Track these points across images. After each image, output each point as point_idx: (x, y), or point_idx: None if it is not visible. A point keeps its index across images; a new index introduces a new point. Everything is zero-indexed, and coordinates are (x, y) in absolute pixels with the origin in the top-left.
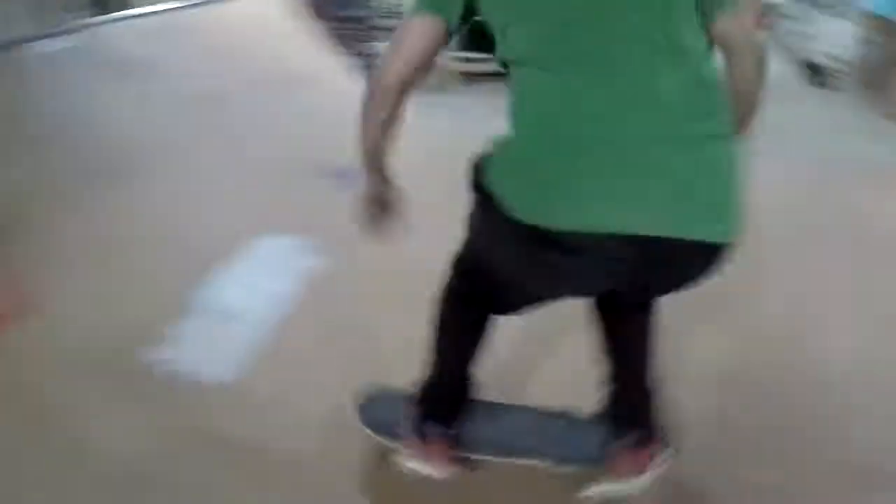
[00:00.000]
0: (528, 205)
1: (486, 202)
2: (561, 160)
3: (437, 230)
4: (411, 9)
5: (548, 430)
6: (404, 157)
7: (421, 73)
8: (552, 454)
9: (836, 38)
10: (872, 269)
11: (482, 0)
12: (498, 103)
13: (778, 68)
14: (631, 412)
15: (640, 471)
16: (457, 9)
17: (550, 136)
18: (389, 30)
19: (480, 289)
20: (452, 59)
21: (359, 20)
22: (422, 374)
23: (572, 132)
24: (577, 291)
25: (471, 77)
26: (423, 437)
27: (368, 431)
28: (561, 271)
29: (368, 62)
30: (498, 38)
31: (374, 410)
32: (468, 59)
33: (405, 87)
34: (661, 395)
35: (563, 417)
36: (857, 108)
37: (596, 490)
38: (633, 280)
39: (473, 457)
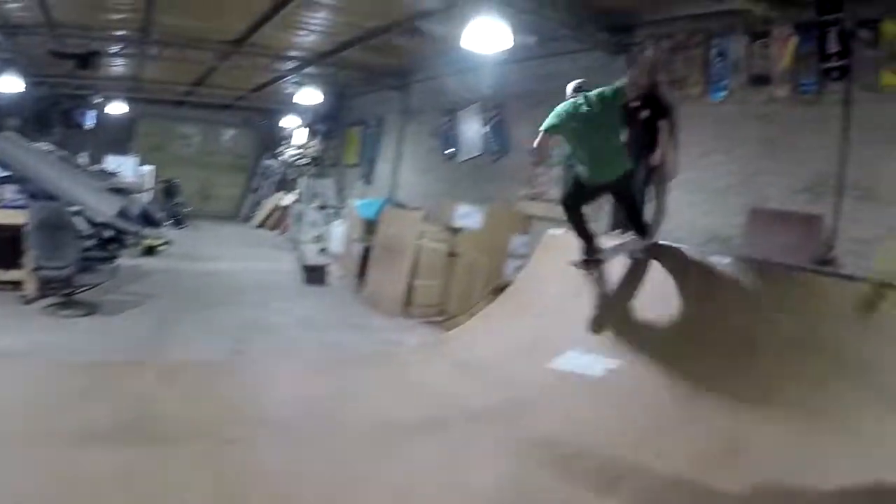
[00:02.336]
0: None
1: (573, 180)
2: (586, 164)
3: None
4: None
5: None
6: None
7: None
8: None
9: (335, 239)
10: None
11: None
12: None
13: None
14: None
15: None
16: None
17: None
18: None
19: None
20: None
21: None
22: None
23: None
24: (592, 196)
25: None
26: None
27: None
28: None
29: None
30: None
31: None
32: None
33: None
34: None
35: None
36: (344, 299)
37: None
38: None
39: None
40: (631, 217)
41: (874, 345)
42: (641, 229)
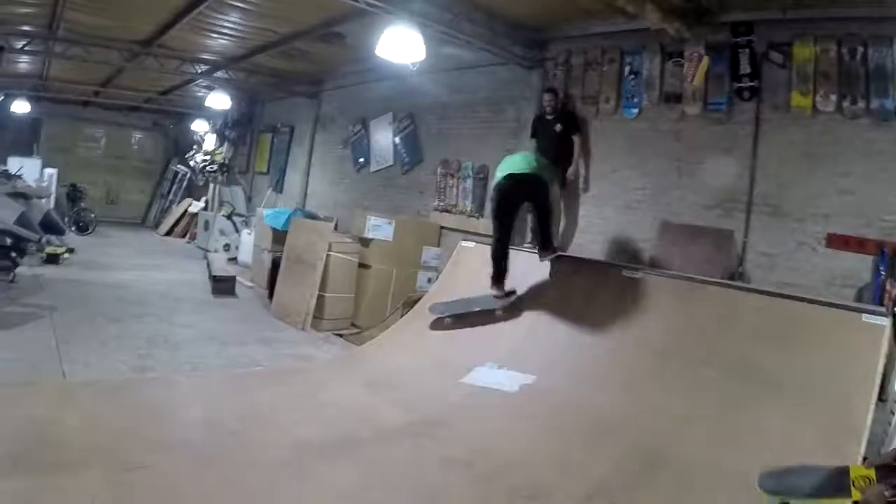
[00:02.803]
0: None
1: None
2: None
3: None
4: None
5: None
6: None
7: None
8: None
9: (244, 248)
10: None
11: None
12: None
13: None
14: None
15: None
16: None
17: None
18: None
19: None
20: None
21: None
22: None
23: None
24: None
25: None
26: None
27: None
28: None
29: None
30: None
31: None
32: None
33: None
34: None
35: None
36: (253, 311)
37: None
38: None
39: None
40: (540, 229)
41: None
42: (546, 243)
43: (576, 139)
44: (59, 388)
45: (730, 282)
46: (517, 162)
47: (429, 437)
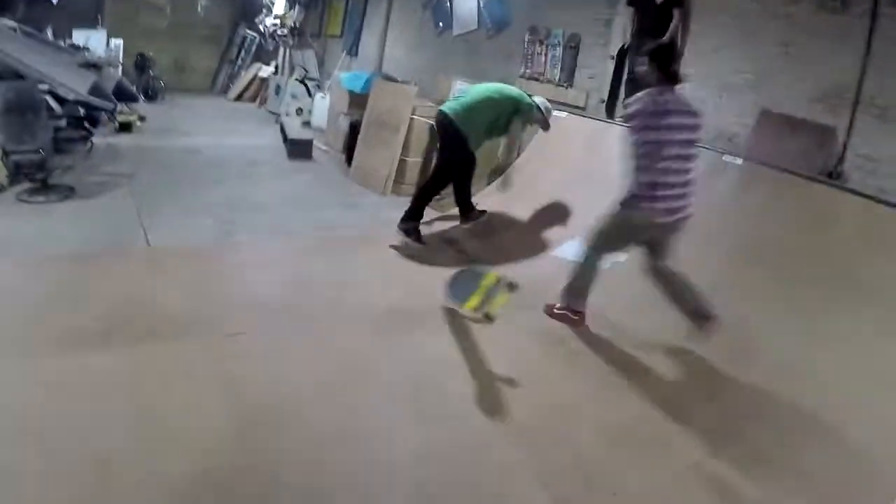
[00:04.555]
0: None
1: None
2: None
3: None
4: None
5: None
6: None
7: None
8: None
9: (318, 113)
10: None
11: None
12: None
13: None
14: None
15: None
16: None
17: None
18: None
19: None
20: None
21: None
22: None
23: None
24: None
25: None
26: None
27: None
28: None
29: None
30: None
31: None
32: None
33: None
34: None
35: None
36: (332, 175)
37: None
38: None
39: None
40: (454, 192)
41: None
42: (462, 208)
43: (676, 12)
44: (149, 255)
45: (834, 181)
46: (459, 102)
47: (527, 309)
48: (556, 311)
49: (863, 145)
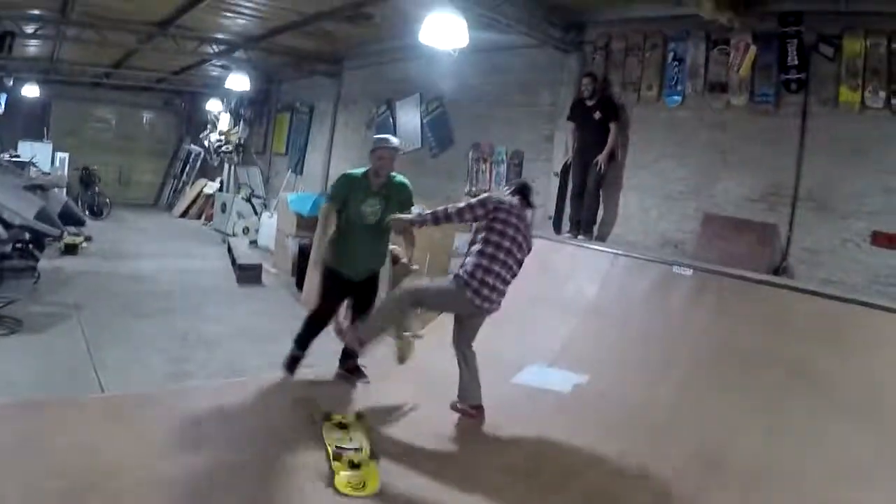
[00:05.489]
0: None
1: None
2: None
3: None
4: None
5: None
6: None
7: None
8: None
9: (265, 232)
10: None
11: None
12: None
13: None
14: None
15: None
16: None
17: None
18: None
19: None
20: None
21: None
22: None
23: None
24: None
25: None
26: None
27: None
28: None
29: None
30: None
31: None
32: None
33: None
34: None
35: None
36: (283, 301)
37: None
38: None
39: None
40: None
41: (830, 357)
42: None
43: (612, 126)
44: (105, 405)
45: (781, 280)
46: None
47: (487, 442)
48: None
49: (805, 238)
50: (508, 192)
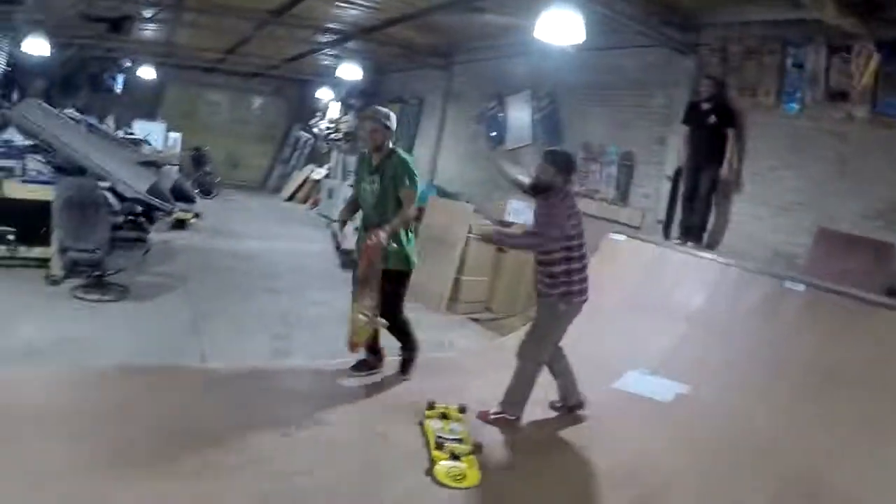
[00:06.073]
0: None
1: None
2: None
3: None
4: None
5: None
6: None
7: None
8: None
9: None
10: None
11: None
12: None
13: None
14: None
15: None
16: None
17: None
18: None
19: None
20: None
21: None
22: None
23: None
24: None
25: None
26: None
27: None
28: None
29: None
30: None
31: None
32: None
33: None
34: None
35: None
36: None
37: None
38: None
39: None
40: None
41: None
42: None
43: (730, 133)
44: (204, 376)
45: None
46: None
47: (586, 448)
48: (491, 416)
49: None
50: (554, 171)
